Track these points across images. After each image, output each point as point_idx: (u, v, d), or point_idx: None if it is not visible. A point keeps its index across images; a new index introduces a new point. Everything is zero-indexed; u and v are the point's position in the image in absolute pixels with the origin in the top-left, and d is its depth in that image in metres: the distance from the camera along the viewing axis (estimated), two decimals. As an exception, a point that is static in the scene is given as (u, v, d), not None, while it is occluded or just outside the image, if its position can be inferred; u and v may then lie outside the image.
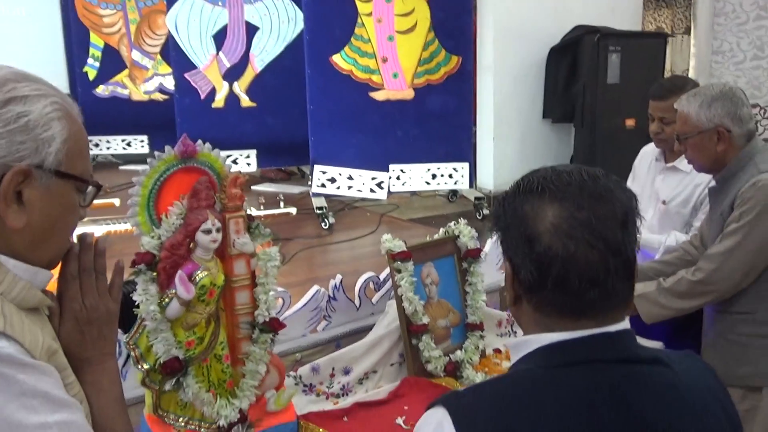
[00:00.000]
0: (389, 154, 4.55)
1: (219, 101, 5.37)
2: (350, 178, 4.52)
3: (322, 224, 4.24)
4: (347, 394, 2.13)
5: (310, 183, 4.80)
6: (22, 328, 0.95)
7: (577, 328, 0.97)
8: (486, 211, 4.42)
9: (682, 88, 2.65)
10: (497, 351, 2.45)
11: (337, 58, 4.45)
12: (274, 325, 1.77)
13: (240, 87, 5.41)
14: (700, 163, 2.33)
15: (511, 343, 1.07)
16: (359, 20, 4.45)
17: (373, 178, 4.53)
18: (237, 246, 1.73)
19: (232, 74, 5.37)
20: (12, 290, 0.98)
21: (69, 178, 1.04)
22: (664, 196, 2.77)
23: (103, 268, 1.18)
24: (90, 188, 1.11)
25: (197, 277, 1.62)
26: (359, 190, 4.53)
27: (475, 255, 2.36)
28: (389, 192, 4.56)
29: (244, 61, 5.39)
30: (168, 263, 1.61)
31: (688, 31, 5.88)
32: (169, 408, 1.66)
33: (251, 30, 5.37)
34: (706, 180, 2.64)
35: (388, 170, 4.56)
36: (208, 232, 1.63)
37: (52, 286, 1.14)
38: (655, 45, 4.66)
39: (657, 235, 2.71)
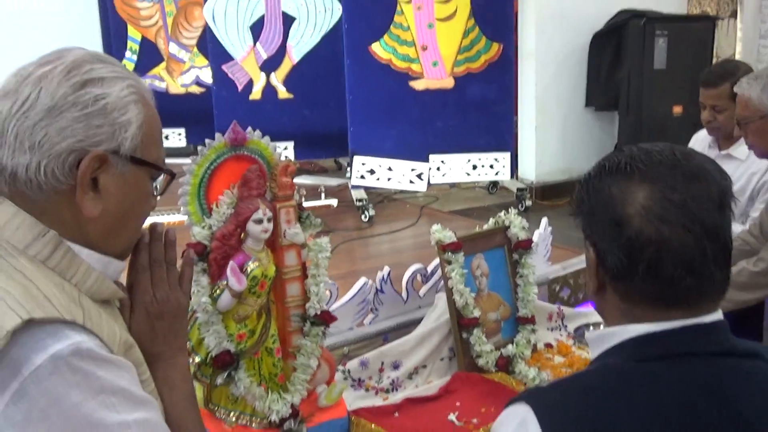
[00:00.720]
0: (429, 144, 4.48)
1: (256, 93, 5.34)
2: (390, 169, 4.46)
3: (362, 216, 4.19)
4: (397, 389, 2.08)
5: (348, 175, 4.75)
6: (100, 321, 0.92)
7: (668, 319, 0.90)
8: (529, 203, 4.33)
9: (734, 74, 2.56)
10: (548, 345, 2.38)
11: (376, 47, 4.39)
12: (325, 318, 1.73)
13: (277, 78, 5.38)
14: (762, 148, 2.23)
15: (592, 336, 1.00)
16: (398, 8, 4.38)
17: (412, 170, 4.47)
18: (288, 236, 1.68)
19: (269, 65, 5.33)
20: (86, 281, 0.95)
21: (144, 165, 1.00)
22: None
23: (173, 260, 1.14)
24: (163, 176, 1.07)
25: (248, 268, 1.58)
26: (399, 182, 4.48)
27: (526, 246, 2.29)
28: (429, 183, 4.50)
29: (281, 52, 5.35)
30: (219, 254, 1.57)
31: (734, 15, 5.70)
32: (220, 402, 1.63)
33: (288, 21, 5.32)
34: (762, 168, 2.54)
35: (428, 161, 4.49)
36: (259, 221, 1.59)
37: (122, 278, 1.10)
38: (703, 29, 4.52)
39: None
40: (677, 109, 4.34)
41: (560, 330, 2.51)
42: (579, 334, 2.45)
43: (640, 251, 0.89)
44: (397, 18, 4.38)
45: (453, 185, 4.91)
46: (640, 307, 0.92)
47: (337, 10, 4.93)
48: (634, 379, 0.88)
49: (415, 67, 4.44)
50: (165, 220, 3.55)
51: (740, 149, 2.60)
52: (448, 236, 2.13)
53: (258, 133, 1.67)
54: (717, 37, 4.83)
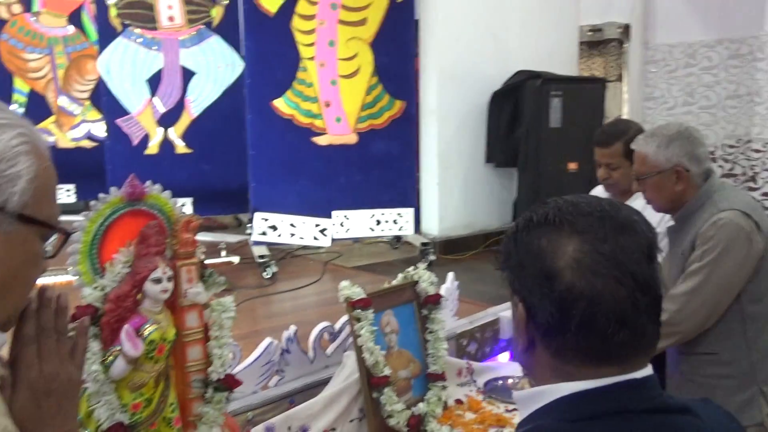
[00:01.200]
0: (332, 200, 4.44)
1: (153, 147, 5.17)
2: (292, 225, 4.38)
3: (264, 273, 4.08)
4: (305, 455, 1.97)
5: (248, 231, 4.64)
6: None
7: (600, 376, 0.87)
8: (433, 257, 4.34)
9: (625, 132, 2.67)
10: (459, 401, 2.35)
11: (278, 102, 4.36)
12: (229, 383, 1.63)
13: (175, 133, 5.24)
14: (660, 203, 2.31)
15: (521, 396, 0.95)
16: (302, 64, 4.38)
17: (316, 225, 4.41)
18: (189, 296, 1.59)
19: (167, 120, 5.19)
20: None
21: (34, 224, 0.89)
22: None
23: (65, 329, 1.00)
24: (56, 236, 0.96)
25: (146, 332, 1.47)
26: (302, 238, 4.40)
27: (435, 301, 2.27)
28: (333, 239, 4.44)
29: (179, 106, 5.23)
30: (113, 317, 1.46)
31: (620, 78, 6.06)
32: (113, 480, 1.49)
33: (187, 75, 5.22)
34: (655, 222, 2.64)
35: (331, 217, 4.45)
36: (158, 281, 1.49)
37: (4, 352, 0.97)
38: (594, 90, 4.75)
39: None
40: (572, 166, 4.51)
41: (470, 385, 2.48)
42: (489, 389, 2.43)
43: (572, 305, 0.86)
44: (300, 74, 4.37)
45: (356, 240, 4.88)
46: (573, 364, 0.89)
47: (239, 66, 4.89)
48: None
49: (318, 122, 4.42)
50: (51, 281, 3.32)
51: (636, 202, 2.69)
52: (357, 292, 2.08)
53: (158, 187, 1.58)
54: (606, 99, 5.10)
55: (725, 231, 2.11)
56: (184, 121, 5.24)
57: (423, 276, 2.28)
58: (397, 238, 4.83)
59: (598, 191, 2.99)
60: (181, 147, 5.22)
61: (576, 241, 0.88)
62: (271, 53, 4.37)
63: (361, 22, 4.49)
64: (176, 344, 1.57)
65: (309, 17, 4.42)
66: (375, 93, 4.51)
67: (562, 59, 5.18)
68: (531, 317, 0.91)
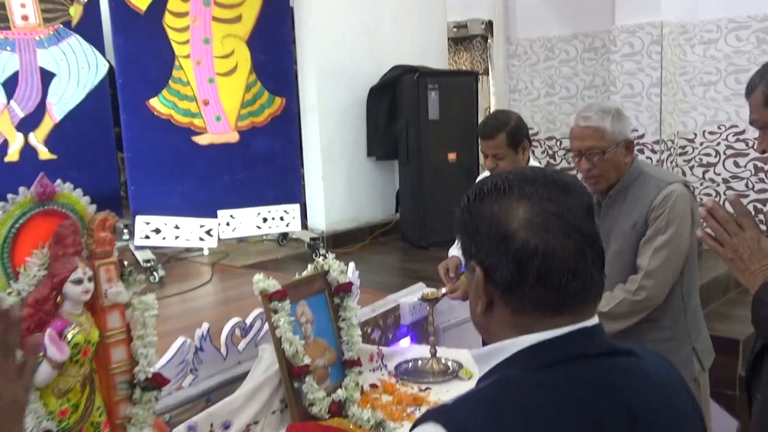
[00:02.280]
0: (217, 199, 4.36)
1: (13, 154, 4.84)
2: (177, 227, 4.26)
3: (151, 278, 3.94)
4: (230, 451, 1.95)
5: (126, 236, 4.47)
6: None
7: (556, 326, 0.95)
8: (323, 251, 4.37)
9: (507, 124, 2.79)
10: (374, 386, 2.39)
11: (154, 102, 4.22)
12: (158, 381, 1.59)
13: (37, 138, 4.92)
14: (610, 178, 2.34)
15: (479, 353, 1.02)
16: (177, 62, 4.26)
17: (201, 226, 4.31)
18: (110, 296, 1.54)
19: (26, 124, 4.87)
20: None
21: None
22: None
23: (15, 345, 0.91)
24: None
25: (69, 335, 1.42)
26: (187, 239, 4.29)
27: (347, 289, 2.31)
28: (219, 239, 4.36)
29: (40, 110, 4.91)
30: (32, 322, 1.39)
31: (486, 72, 6.34)
32: (42, 492, 1.42)
33: (47, 77, 4.93)
34: None
35: (216, 216, 4.36)
36: (78, 282, 1.44)
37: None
38: (468, 83, 4.94)
39: None
40: (452, 156, 4.67)
41: (381, 370, 2.54)
42: (400, 372, 2.50)
43: (528, 261, 0.93)
44: (175, 73, 4.25)
45: (241, 240, 4.81)
46: (532, 317, 0.96)
47: (102, 66, 4.68)
48: (534, 387, 0.92)
49: (197, 122, 4.32)
50: None
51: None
52: (273, 285, 2.08)
53: (69, 185, 1.52)
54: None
55: (679, 203, 2.25)
56: (46, 126, 4.94)
57: (333, 266, 2.31)
58: (284, 235, 4.81)
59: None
60: (44, 153, 4.91)
61: (525, 204, 0.95)
62: (144, 51, 4.23)
63: (236, 19, 4.43)
64: (99, 346, 1.52)
65: (181, 14, 4.31)
66: (254, 90, 4.46)
67: (433, 54, 5.35)
68: (490, 278, 0.97)
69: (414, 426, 0.92)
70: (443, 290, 2.64)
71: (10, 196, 1.43)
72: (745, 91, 1.62)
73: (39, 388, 1.38)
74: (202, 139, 4.34)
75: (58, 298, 1.44)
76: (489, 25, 6.35)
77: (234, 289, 3.88)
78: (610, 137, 2.29)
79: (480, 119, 4.71)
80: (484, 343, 1.05)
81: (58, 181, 1.50)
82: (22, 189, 1.45)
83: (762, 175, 4.89)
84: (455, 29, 6.50)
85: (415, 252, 4.68)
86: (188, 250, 4.57)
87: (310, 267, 2.32)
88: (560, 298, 0.94)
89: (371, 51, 4.90)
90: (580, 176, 2.37)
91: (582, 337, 0.96)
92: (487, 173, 3.09)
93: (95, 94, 4.85)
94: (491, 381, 0.95)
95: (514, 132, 2.76)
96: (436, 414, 0.91)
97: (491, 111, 6.32)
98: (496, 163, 2.80)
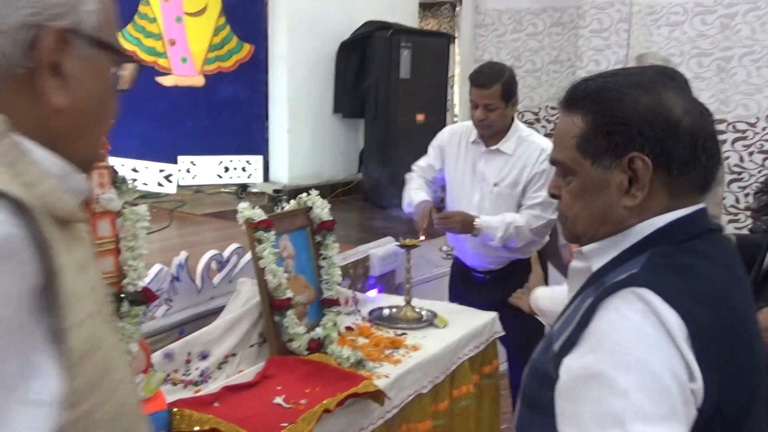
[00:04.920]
0: (178, 144, 4.22)
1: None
2: (135, 170, 4.11)
3: (107, 220, 3.79)
4: (207, 381, 1.90)
5: (82, 178, 4.29)
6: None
7: (693, 204, 1.05)
8: (286, 205, 4.28)
9: (502, 75, 2.77)
10: (349, 328, 2.36)
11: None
12: (147, 296, 1.52)
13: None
14: None
15: (592, 249, 1.08)
16: (143, -3, 4.09)
17: (161, 171, 4.17)
18: (102, 202, 1.46)
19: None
20: (38, 186, 0.69)
21: (108, 49, 0.79)
22: (494, 178, 2.84)
23: None
24: (132, 66, 0.85)
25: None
26: (146, 184, 4.13)
27: (330, 227, 2.26)
28: (179, 185, 4.23)
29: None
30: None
31: (452, 40, 6.30)
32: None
33: None
34: (532, 161, 2.77)
35: (177, 162, 4.23)
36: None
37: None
38: (441, 44, 4.89)
39: (493, 216, 2.76)
40: (420, 117, 4.63)
41: (355, 315, 2.51)
42: (375, 317, 2.47)
43: (698, 141, 1.02)
44: (141, 8, 4.07)
45: (198, 190, 4.68)
46: (686, 195, 1.05)
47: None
48: (691, 254, 1.01)
49: (162, 61, 4.16)
50: None
51: (506, 144, 2.82)
52: (258, 214, 2.02)
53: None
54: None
55: None
56: None
57: (316, 202, 2.26)
58: (243, 188, 4.70)
59: (458, 128, 3.06)
60: None
61: (672, 94, 1.04)
62: (109, -17, 4.03)
63: (208, -43, 4.27)
64: (87, 255, 1.43)
65: (151, -54, 4.13)
66: (223, 34, 4.32)
67: (405, 14, 5.26)
68: (662, 164, 1.02)
69: (602, 300, 0.95)
70: (422, 237, 2.62)
71: None
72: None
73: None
74: (166, 80, 4.18)
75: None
76: (458, -8, 6.31)
77: (195, 235, 3.77)
78: None
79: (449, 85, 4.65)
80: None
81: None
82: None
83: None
84: (425, -6, 6.43)
85: (378, 211, 4.63)
86: (143, 195, 4.42)
87: (293, 202, 2.26)
88: (710, 177, 1.05)
89: (343, 4, 4.79)
90: None
91: (705, 213, 1.07)
92: (459, 126, 3.07)
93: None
94: (646, 258, 1.00)
95: (508, 84, 2.75)
96: (639, 282, 0.94)
97: (456, 79, 6.31)
98: (486, 115, 2.76)
